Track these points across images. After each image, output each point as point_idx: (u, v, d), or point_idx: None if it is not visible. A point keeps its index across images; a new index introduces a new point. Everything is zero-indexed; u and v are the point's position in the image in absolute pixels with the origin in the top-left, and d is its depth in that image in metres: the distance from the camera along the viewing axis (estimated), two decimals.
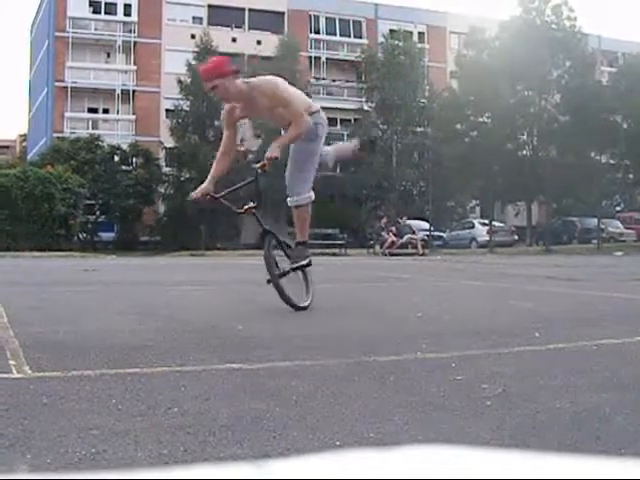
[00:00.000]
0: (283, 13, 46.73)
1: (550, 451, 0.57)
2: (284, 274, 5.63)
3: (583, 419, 2.32)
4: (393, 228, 28.06)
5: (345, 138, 43.93)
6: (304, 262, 5.73)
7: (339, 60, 47.55)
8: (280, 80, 5.67)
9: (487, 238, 31.16)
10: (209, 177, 5.65)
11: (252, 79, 5.61)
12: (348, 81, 47.45)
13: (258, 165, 5.57)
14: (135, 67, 44.17)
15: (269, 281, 5.48)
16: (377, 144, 5.24)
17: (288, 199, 5.70)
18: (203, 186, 5.62)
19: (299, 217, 5.75)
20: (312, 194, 5.70)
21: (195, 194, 5.66)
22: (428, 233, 30.30)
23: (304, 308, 5.53)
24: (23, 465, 1.80)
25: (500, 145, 33.73)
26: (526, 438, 2.12)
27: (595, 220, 30.96)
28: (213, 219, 38.31)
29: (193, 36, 42.33)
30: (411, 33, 46.42)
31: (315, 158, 5.70)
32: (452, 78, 42.48)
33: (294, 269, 5.71)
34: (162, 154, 40.85)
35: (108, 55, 44.90)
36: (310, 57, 46.18)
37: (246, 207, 5.70)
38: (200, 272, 12.86)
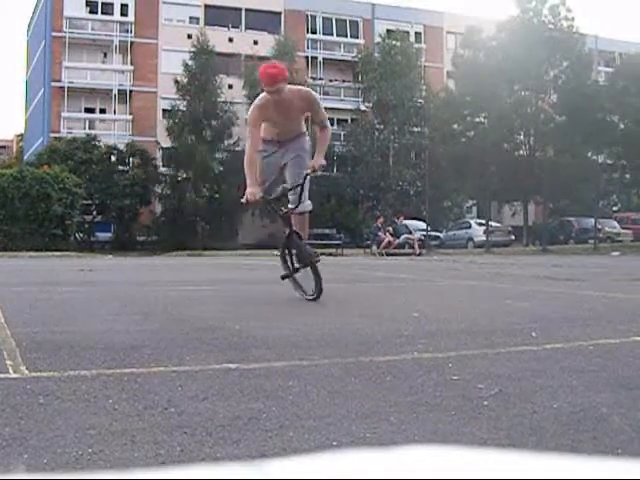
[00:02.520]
0: (280, 13, 46.71)
1: (547, 451, 0.57)
2: (297, 270, 6.38)
3: (580, 419, 2.32)
4: (390, 228, 28.07)
5: (342, 138, 44.15)
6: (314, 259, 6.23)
7: (336, 60, 47.56)
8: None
9: (484, 238, 31.13)
10: (253, 179, 6.03)
11: (289, 85, 6.22)
12: (345, 81, 47.47)
13: (309, 170, 6.16)
14: (132, 67, 44.14)
15: (284, 277, 6.41)
16: None
17: (297, 206, 6.26)
18: (252, 190, 5.98)
19: (304, 221, 6.46)
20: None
21: (250, 198, 6.01)
22: (425, 233, 30.30)
23: (314, 299, 6.17)
24: (20, 465, 1.80)
25: (497, 145, 33.76)
26: (523, 438, 2.12)
27: (592, 220, 30.92)
28: (211, 219, 38.29)
29: (190, 36, 42.31)
30: (408, 33, 46.48)
31: None
32: (449, 78, 42.52)
33: (304, 266, 6.32)
34: (159, 154, 40.85)
35: (105, 55, 44.87)
36: (307, 57, 46.17)
37: (286, 211, 6.32)
38: (197, 272, 12.85)
